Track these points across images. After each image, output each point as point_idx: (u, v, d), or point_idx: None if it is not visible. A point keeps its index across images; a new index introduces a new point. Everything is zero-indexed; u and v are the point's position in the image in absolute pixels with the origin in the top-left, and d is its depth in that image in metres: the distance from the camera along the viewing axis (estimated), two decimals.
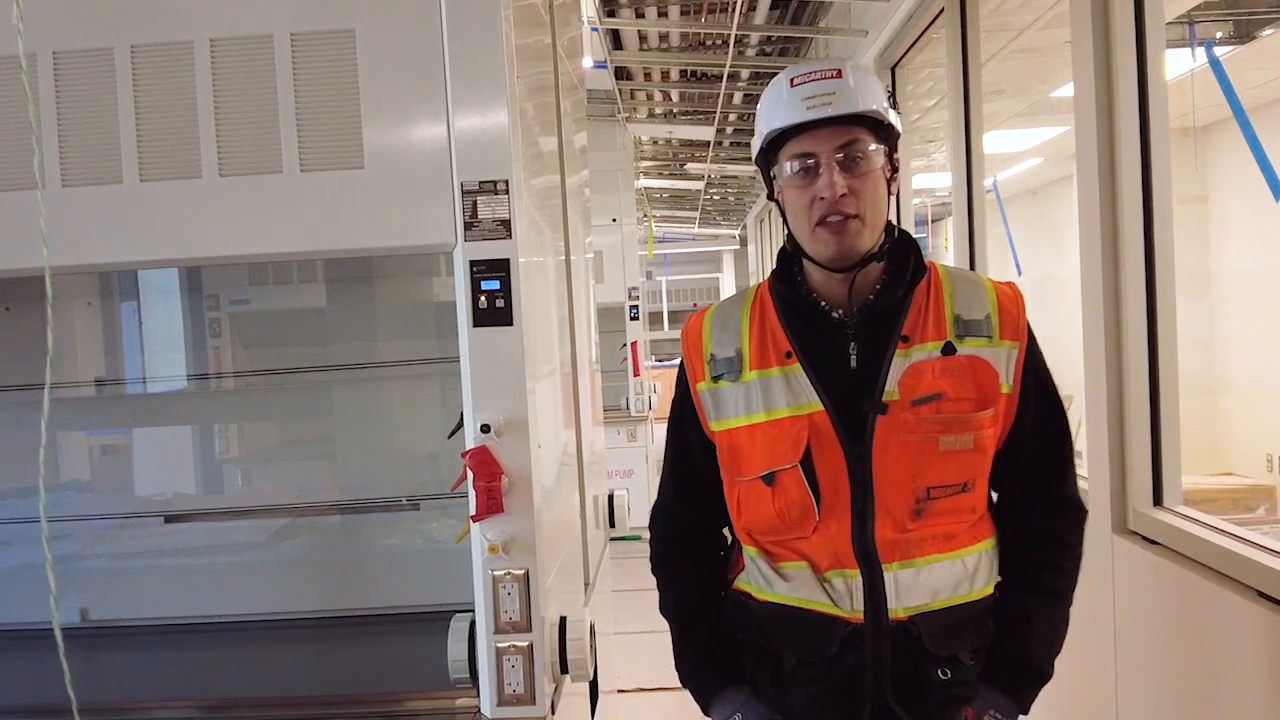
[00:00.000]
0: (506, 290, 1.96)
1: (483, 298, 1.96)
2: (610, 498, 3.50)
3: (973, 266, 4.25)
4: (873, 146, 1.75)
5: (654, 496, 2.07)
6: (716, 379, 1.86)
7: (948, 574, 1.78)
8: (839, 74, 1.73)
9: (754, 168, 1.94)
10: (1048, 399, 1.84)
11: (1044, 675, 1.85)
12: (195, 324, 3.04)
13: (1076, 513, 1.88)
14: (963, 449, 1.74)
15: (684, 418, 1.93)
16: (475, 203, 1.96)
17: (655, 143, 11.33)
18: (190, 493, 3.07)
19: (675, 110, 9.46)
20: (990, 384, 1.77)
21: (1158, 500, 2.70)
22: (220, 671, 2.67)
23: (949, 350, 1.77)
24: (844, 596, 1.77)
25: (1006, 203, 10.84)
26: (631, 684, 4.68)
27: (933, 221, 11.74)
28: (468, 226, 1.96)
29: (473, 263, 1.96)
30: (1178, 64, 4.68)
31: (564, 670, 2.08)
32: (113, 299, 3.03)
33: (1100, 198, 2.78)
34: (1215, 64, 4.00)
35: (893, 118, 1.78)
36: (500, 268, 1.96)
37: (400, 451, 3.10)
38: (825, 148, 1.73)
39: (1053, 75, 5.99)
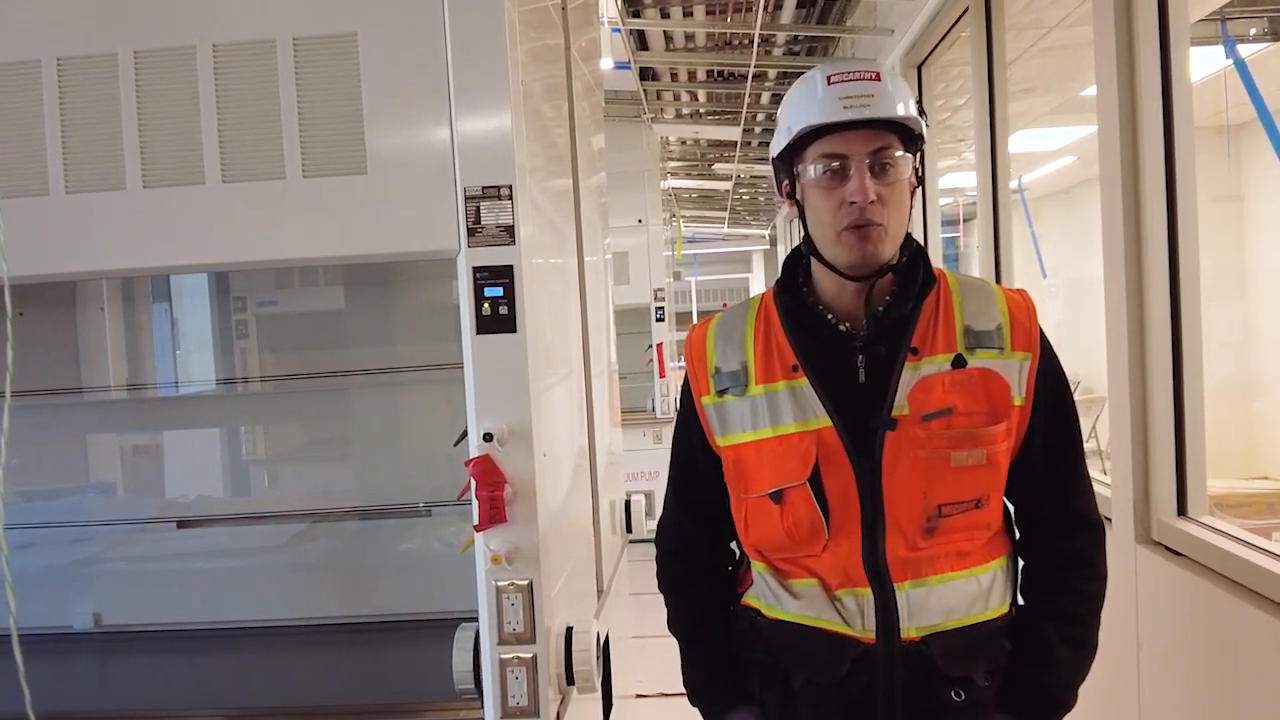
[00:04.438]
0: (510, 296, 1.94)
1: (486, 304, 1.94)
2: (627, 503, 3.47)
3: (998, 268, 4.19)
4: (902, 154, 1.70)
5: None
6: (721, 393, 1.81)
7: (961, 592, 1.73)
8: (878, 77, 1.68)
9: None
10: (1061, 411, 1.78)
11: (1063, 705, 1.77)
12: (205, 330, 3.04)
13: (1092, 530, 1.81)
14: (975, 464, 1.69)
15: (689, 432, 1.89)
16: (478, 208, 1.93)
17: (683, 143, 11.29)
18: (202, 498, 3.07)
19: (702, 111, 9.42)
20: (1002, 397, 1.71)
21: (1182, 510, 2.64)
22: (231, 678, 2.68)
23: (959, 363, 1.71)
24: (855, 615, 1.72)
25: (1038, 203, 10.77)
26: (653, 689, 4.65)
27: (964, 221, 11.63)
28: (471, 232, 1.94)
29: (476, 269, 1.94)
30: (1210, 62, 4.60)
31: (570, 682, 2.06)
32: (120, 304, 3.04)
33: (1123, 198, 2.72)
34: (1240, 65, 3.93)
35: (923, 127, 1.74)
36: (504, 274, 1.94)
37: (417, 456, 3.09)
38: (858, 150, 1.68)
39: (1084, 73, 5.91)
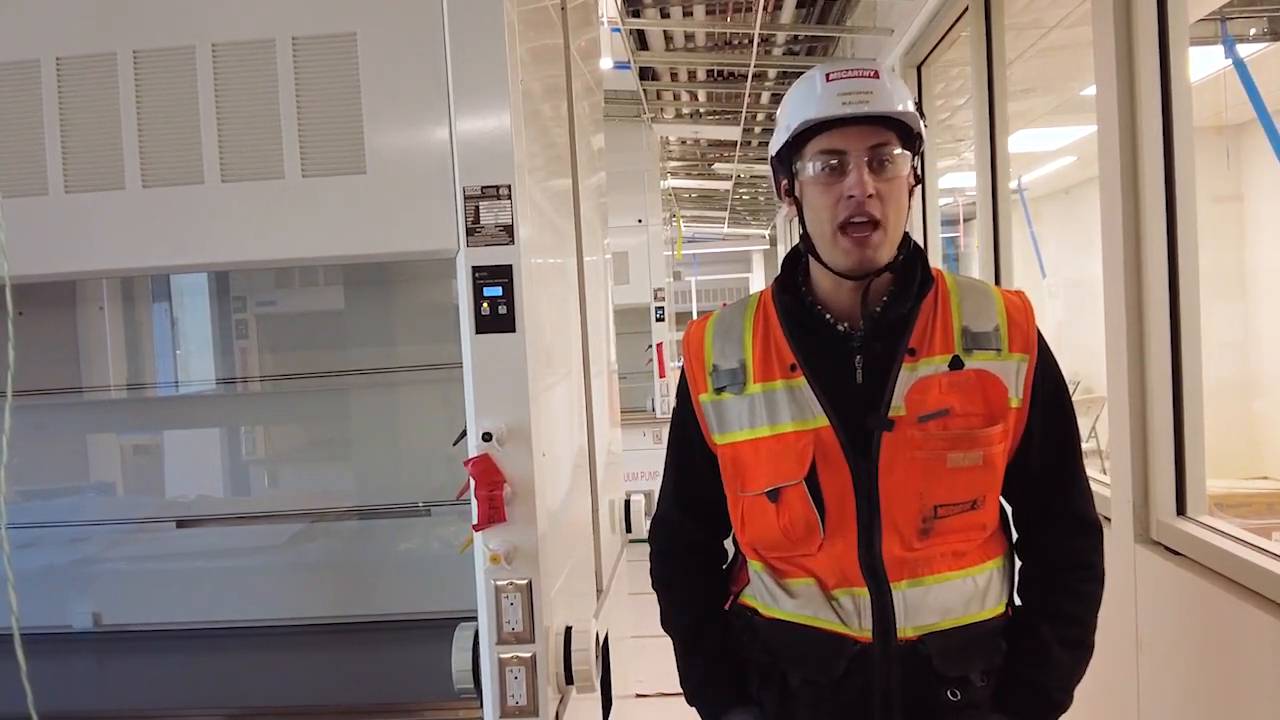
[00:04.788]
0: (509, 296, 1.94)
1: (485, 304, 1.94)
2: (627, 503, 3.48)
3: (997, 268, 4.19)
4: (901, 151, 1.70)
5: None
6: (719, 390, 1.81)
7: (958, 592, 1.73)
8: (876, 74, 1.69)
9: None
10: (1058, 413, 1.78)
11: (1060, 705, 1.78)
12: (205, 330, 3.04)
13: (1090, 531, 1.81)
14: (971, 465, 1.69)
15: (685, 428, 1.88)
16: (478, 208, 1.93)
17: (683, 143, 11.30)
18: (202, 498, 3.07)
19: (702, 110, 9.43)
20: (999, 398, 1.71)
21: (1181, 509, 2.64)
22: (231, 678, 2.68)
23: (957, 364, 1.71)
24: (852, 615, 1.72)
25: (1038, 203, 10.78)
26: (652, 689, 4.65)
27: (964, 221, 11.64)
28: (470, 232, 1.94)
29: (475, 269, 1.94)
30: (1210, 62, 4.61)
31: (569, 681, 2.06)
32: (120, 304, 3.04)
33: (1123, 198, 2.73)
34: (1239, 65, 3.93)
35: (921, 126, 1.74)
36: (503, 274, 1.94)
37: (416, 456, 3.09)
38: (857, 146, 1.68)
39: (1084, 73, 5.91)
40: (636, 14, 6.32)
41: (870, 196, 1.66)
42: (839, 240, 1.70)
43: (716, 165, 12.22)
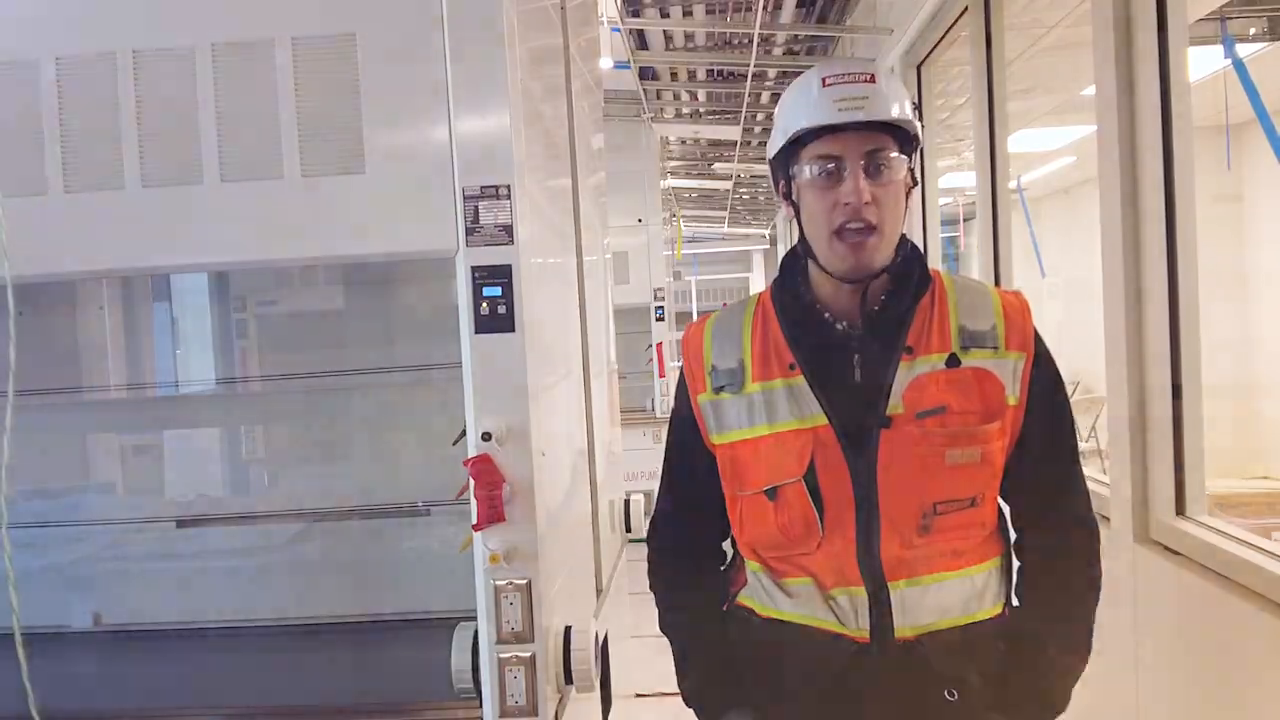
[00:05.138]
0: (509, 296, 1.94)
1: (485, 304, 1.94)
2: (626, 502, 3.48)
3: (997, 268, 4.19)
4: (897, 155, 1.70)
5: None
6: (718, 390, 1.81)
7: (956, 592, 1.73)
8: (872, 79, 1.69)
9: None
10: (1055, 411, 1.78)
11: (1059, 705, 1.78)
12: (205, 329, 3.03)
13: (1086, 530, 1.81)
14: (969, 463, 1.70)
15: (684, 428, 1.89)
16: (477, 208, 1.94)
17: (683, 143, 11.30)
18: (202, 497, 3.06)
19: (702, 110, 9.43)
20: (996, 396, 1.72)
21: (1180, 509, 2.64)
22: (231, 678, 2.67)
23: (953, 362, 1.72)
24: (849, 614, 1.72)
25: (1038, 203, 10.78)
26: (652, 689, 4.64)
27: (964, 221, 11.64)
28: (469, 232, 1.94)
29: (474, 269, 1.94)
30: (1210, 62, 4.61)
31: (568, 681, 2.06)
32: (120, 304, 3.04)
33: (1122, 198, 2.73)
34: (1239, 64, 3.94)
35: (918, 129, 1.74)
36: (502, 274, 1.94)
37: (416, 456, 3.09)
38: (853, 152, 1.68)
39: (1084, 73, 5.91)
40: (636, 14, 6.32)
41: (867, 203, 1.67)
42: (835, 245, 1.70)
43: (716, 165, 12.22)
